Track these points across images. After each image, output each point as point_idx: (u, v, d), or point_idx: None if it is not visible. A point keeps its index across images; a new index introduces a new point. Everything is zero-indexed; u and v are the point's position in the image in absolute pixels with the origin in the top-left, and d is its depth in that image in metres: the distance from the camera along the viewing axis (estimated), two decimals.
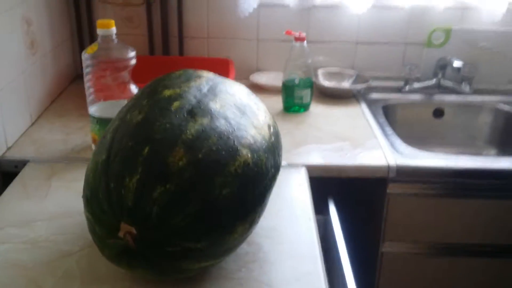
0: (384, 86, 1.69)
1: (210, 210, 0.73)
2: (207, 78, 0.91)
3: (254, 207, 0.79)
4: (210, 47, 1.71)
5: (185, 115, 0.78)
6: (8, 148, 1.23)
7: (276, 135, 0.90)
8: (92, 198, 0.75)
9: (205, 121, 0.78)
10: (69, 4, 1.63)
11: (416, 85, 1.68)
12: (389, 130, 1.40)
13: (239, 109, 0.85)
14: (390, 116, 1.55)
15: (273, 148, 0.87)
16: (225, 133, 0.78)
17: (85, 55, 1.17)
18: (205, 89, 0.86)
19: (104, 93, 1.19)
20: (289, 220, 1.01)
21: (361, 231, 1.33)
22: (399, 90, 1.67)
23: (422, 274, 1.35)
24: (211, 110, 0.80)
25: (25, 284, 0.82)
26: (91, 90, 1.19)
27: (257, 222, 0.83)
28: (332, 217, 1.17)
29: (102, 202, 0.73)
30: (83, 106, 1.45)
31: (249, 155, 0.78)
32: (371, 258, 1.36)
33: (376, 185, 1.25)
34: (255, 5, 1.58)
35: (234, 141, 0.77)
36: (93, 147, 1.22)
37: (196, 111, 0.79)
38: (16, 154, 1.22)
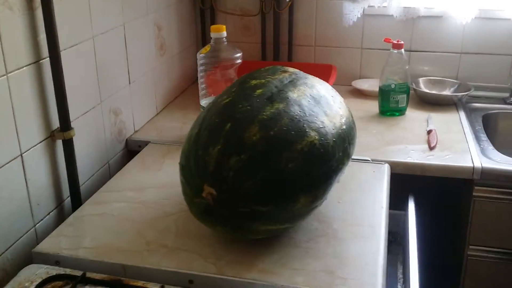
0: (488, 96, 1.68)
1: (276, 179, 0.86)
2: (292, 73, 1.05)
3: (318, 183, 0.91)
4: (317, 55, 1.84)
5: (265, 100, 0.92)
6: (135, 131, 1.48)
7: (348, 125, 1.00)
8: (185, 164, 0.92)
9: (281, 106, 0.91)
10: (196, 14, 1.86)
11: None
12: (483, 137, 1.41)
13: (314, 99, 0.97)
14: (490, 126, 1.55)
15: (343, 135, 0.97)
16: (297, 117, 0.90)
17: (200, 55, 1.37)
18: (286, 81, 0.99)
19: (213, 88, 1.38)
20: (363, 207, 1.10)
21: (448, 233, 1.36)
22: (503, 100, 1.66)
23: (508, 280, 1.34)
24: (288, 98, 0.94)
25: (133, 234, 1.01)
26: (203, 86, 1.39)
27: (322, 199, 0.94)
28: (410, 213, 1.23)
29: (192, 167, 0.90)
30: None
31: (317, 137, 0.90)
32: (456, 260, 1.37)
33: (463, 188, 1.28)
34: (359, 15, 1.68)
35: (304, 124, 0.90)
36: None
37: (274, 97, 0.93)
38: (140, 137, 1.45)
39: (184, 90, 1.82)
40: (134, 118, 1.47)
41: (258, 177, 0.85)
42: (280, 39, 1.83)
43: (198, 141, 0.90)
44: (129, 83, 1.42)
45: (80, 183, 1.20)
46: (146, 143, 1.41)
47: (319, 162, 0.90)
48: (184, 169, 0.93)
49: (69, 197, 1.17)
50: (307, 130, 0.89)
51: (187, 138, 0.95)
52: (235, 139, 0.86)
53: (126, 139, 1.43)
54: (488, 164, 1.25)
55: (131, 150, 1.44)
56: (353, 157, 1.18)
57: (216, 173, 0.86)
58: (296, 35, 1.83)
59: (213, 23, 1.86)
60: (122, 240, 0.99)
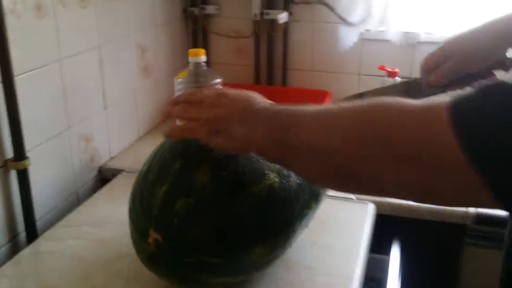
0: None
1: (226, 227, 0.76)
2: None
3: (277, 232, 0.81)
4: (313, 80, 1.74)
5: None
6: (111, 158, 1.40)
7: None
8: (132, 205, 0.83)
9: None
10: (188, 36, 1.79)
11: None
12: None
13: None
14: None
15: None
16: (256, 156, 0.81)
17: (177, 80, 1.28)
18: None
19: None
20: (339, 253, 0.99)
21: (436, 279, 1.24)
22: None
23: None
24: None
25: (81, 277, 0.92)
26: None
27: (284, 247, 0.84)
28: (392, 258, 1.11)
29: (137, 209, 0.81)
30: None
31: (277, 179, 0.80)
32: None
33: (454, 232, 1.16)
34: (355, 39, 1.59)
35: (263, 164, 0.80)
36: None
37: None
38: (115, 164, 1.37)
39: None
40: (110, 144, 1.39)
41: (206, 224, 0.75)
42: (274, 63, 1.75)
43: (146, 179, 0.81)
44: (105, 108, 1.35)
45: (40, 215, 1.12)
46: (120, 171, 1.33)
47: (279, 207, 0.80)
48: (131, 210, 0.84)
49: (25, 231, 1.09)
50: (266, 171, 0.80)
51: (137, 174, 0.86)
52: (184, 180, 0.77)
53: (99, 167, 1.35)
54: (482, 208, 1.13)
55: (105, 178, 1.35)
56: (335, 195, 1.09)
57: (161, 218, 0.77)
58: (291, 59, 1.74)
59: (205, 44, 1.79)
60: (68, 284, 0.90)
